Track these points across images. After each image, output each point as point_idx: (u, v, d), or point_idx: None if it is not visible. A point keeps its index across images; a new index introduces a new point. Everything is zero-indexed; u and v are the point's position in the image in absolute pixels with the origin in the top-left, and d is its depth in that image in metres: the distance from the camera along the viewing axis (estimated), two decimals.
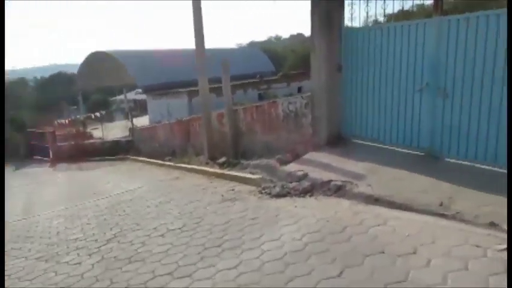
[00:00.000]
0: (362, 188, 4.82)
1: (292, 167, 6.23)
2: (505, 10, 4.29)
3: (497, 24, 4.37)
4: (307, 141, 6.82)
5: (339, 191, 4.96)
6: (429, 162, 5.16)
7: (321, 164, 5.91)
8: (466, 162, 4.93)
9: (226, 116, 8.95)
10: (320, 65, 6.36)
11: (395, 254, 3.18)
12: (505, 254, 2.94)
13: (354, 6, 6.06)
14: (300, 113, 6.94)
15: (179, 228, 4.70)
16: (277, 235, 3.93)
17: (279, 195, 5.26)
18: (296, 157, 6.74)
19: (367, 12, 5.93)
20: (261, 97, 21.14)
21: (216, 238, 4.17)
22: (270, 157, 7.36)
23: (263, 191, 5.59)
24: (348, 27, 6.25)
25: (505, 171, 4.48)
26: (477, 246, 3.12)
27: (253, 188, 5.92)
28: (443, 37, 4.96)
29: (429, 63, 5.16)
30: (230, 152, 8.69)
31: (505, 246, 3.01)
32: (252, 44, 38.28)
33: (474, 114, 4.77)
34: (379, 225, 3.74)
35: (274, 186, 5.65)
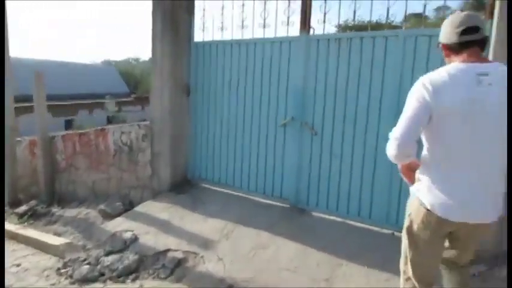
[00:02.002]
0: (211, 263, 3.34)
1: (119, 224, 4.40)
2: (393, 32, 3.52)
3: (383, 47, 3.53)
4: (144, 185, 5.10)
5: (177, 268, 3.38)
6: (295, 218, 4.02)
7: (159, 221, 4.25)
8: (338, 218, 3.94)
9: (39, 144, 6.55)
10: (163, 84, 4.80)
11: None
12: None
13: (205, 13, 4.72)
14: (136, 146, 5.20)
15: None
16: None
17: (85, 280, 3.38)
18: (127, 208, 4.93)
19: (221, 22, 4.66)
20: (109, 120, 18.41)
21: None
22: (95, 205, 5.37)
23: (63, 270, 3.62)
24: (198, 41, 4.88)
25: (388, 230, 3.59)
26: None
27: (52, 261, 3.89)
28: (311, 60, 3.98)
29: (295, 92, 4.10)
30: (43, 194, 6.31)
31: None
32: (107, 63, 34.63)
33: (347, 158, 3.83)
34: None
35: (83, 261, 3.73)
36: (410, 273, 1.80)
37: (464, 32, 1.62)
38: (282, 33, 4.18)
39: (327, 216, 3.99)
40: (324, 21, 3.86)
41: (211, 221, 4.07)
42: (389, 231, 3.60)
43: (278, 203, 4.34)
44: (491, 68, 1.58)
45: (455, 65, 1.62)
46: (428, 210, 1.65)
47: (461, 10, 2.16)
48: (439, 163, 1.64)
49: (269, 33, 4.27)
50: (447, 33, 1.68)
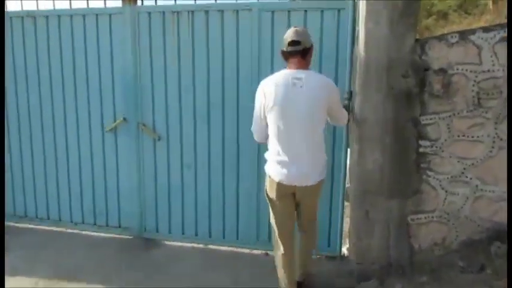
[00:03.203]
0: None
1: None
2: (246, 3, 2.74)
3: (234, 23, 2.72)
4: None
5: None
6: (141, 253, 3.01)
7: None
8: (199, 245, 3.09)
9: None
10: None
11: None
12: None
13: None
14: None
15: None
16: None
17: None
18: None
19: None
20: None
21: None
22: None
23: None
24: None
25: (259, 251, 2.92)
26: None
27: None
28: (143, 40, 2.94)
29: (125, 84, 3.01)
30: None
31: None
32: None
33: (202, 168, 2.99)
34: None
35: None
36: (276, 234, 2.26)
37: (290, 44, 2.05)
38: (99, 3, 3.00)
39: (184, 244, 3.09)
40: None
41: (13, 282, 2.70)
42: (262, 251, 2.95)
43: (117, 235, 3.22)
44: (304, 74, 2.04)
45: (282, 71, 2.11)
46: (270, 177, 2.18)
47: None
48: (272, 145, 2.14)
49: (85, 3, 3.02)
50: (284, 43, 2.09)
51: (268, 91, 2.06)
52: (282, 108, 2.02)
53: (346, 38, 2.59)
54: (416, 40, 2.23)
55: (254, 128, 2.23)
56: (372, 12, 2.21)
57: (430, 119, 2.28)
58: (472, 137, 2.26)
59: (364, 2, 2.23)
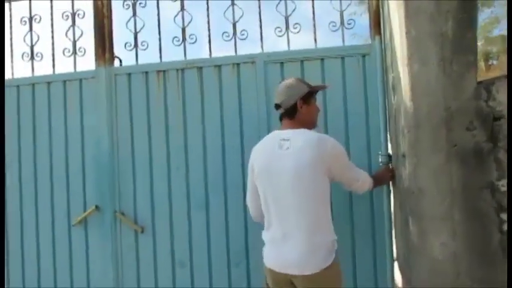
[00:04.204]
0: None
1: None
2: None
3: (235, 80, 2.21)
4: None
5: None
6: None
7: None
8: None
9: None
10: None
11: None
12: None
13: None
14: None
15: None
16: None
17: None
18: None
19: None
20: None
21: None
22: None
23: None
24: None
25: None
26: None
27: None
28: (121, 108, 2.38)
29: (98, 163, 2.38)
30: None
31: None
32: None
33: (201, 265, 2.26)
34: None
35: None
36: None
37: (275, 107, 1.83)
38: (67, 67, 2.49)
39: None
40: (136, 45, 2.37)
41: None
42: None
43: None
44: (292, 134, 1.72)
45: (273, 132, 1.82)
46: (264, 262, 1.78)
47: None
48: (265, 221, 1.78)
49: (41, 70, 2.50)
50: None
51: (257, 156, 1.80)
52: (268, 174, 1.71)
53: (375, 88, 2.08)
54: (479, 82, 1.71)
55: (247, 200, 1.90)
56: (417, 48, 1.72)
57: None
58: None
59: (404, 37, 1.74)
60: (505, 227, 1.68)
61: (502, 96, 1.69)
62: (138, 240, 2.33)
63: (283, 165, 1.67)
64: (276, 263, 1.70)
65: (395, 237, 2.15)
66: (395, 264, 2.16)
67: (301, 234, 1.65)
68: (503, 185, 1.68)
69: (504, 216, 1.68)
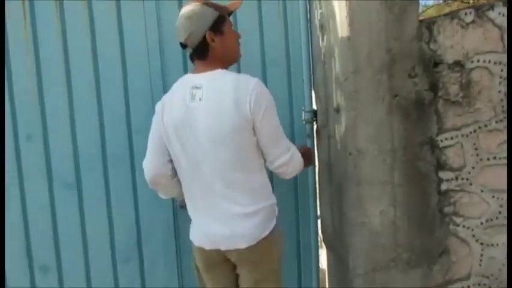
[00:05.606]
0: None
1: None
2: None
3: None
4: None
5: None
6: None
7: None
8: None
9: None
10: None
11: None
12: None
13: None
14: None
15: None
16: None
17: None
18: None
19: None
20: None
21: None
22: None
23: None
24: None
25: None
26: None
27: None
28: None
29: None
30: None
31: None
32: None
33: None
34: None
35: None
36: None
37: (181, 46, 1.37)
38: None
39: None
40: None
41: None
42: None
43: None
44: (205, 79, 1.29)
45: (183, 78, 1.39)
46: (192, 241, 1.46)
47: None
48: (184, 193, 1.43)
49: None
50: None
51: (165, 106, 1.36)
52: (181, 134, 1.31)
53: (299, 30, 1.70)
54: (421, 21, 1.46)
55: (145, 161, 1.41)
56: None
57: (451, 138, 1.50)
58: (505, 158, 1.54)
59: None
60: (443, 186, 1.51)
61: (443, 38, 1.47)
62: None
63: (196, 123, 1.28)
64: (205, 238, 1.39)
65: (321, 211, 1.87)
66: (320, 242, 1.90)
67: (230, 201, 1.34)
68: (441, 140, 1.49)
69: (442, 174, 1.50)
